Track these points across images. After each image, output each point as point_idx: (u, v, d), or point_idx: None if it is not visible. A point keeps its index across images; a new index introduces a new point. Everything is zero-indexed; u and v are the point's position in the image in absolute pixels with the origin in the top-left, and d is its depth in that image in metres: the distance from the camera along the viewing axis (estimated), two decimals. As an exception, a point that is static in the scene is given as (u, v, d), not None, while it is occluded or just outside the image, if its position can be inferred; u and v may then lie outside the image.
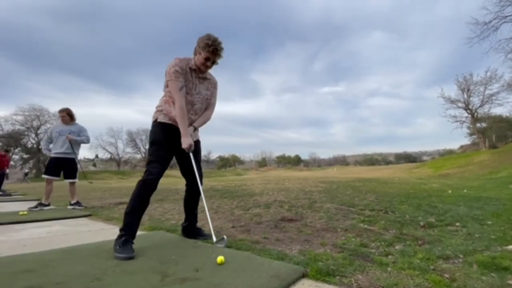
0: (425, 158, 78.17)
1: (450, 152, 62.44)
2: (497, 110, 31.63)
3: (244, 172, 59.89)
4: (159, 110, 2.12)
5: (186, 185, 2.28)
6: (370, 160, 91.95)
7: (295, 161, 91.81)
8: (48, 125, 35.90)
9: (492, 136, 33.48)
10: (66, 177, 4.54)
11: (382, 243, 2.02)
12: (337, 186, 6.78)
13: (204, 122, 2.23)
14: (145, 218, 3.08)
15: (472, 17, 18.90)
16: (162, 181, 2.09)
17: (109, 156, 54.86)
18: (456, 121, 31.95)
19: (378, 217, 2.96)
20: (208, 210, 2.07)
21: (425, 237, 2.16)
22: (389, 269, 1.48)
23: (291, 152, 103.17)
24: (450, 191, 5.82)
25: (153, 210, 3.84)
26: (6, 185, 10.24)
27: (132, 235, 1.87)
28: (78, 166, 4.68)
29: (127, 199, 1.97)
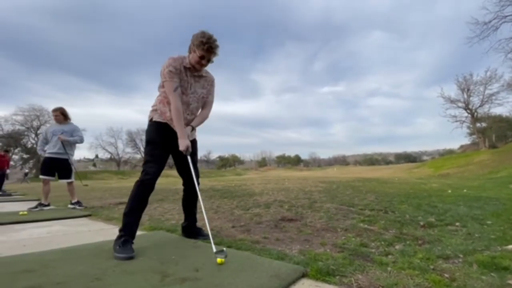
0: (425, 158, 78.18)
1: (450, 152, 62.48)
2: (497, 110, 31.69)
3: (244, 172, 59.88)
4: (154, 110, 2.12)
5: (183, 184, 2.28)
6: (370, 160, 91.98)
7: (295, 161, 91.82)
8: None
9: (492, 136, 33.49)
10: (60, 178, 4.50)
11: (382, 243, 2.02)
12: (337, 186, 6.78)
13: (202, 121, 2.20)
14: (145, 218, 3.08)
15: (472, 17, 18.94)
16: (162, 181, 2.09)
17: (109, 156, 54.93)
18: (456, 121, 32.01)
19: (378, 217, 2.96)
20: (208, 213, 2.06)
21: (425, 237, 2.16)
22: (389, 269, 1.48)
23: (291, 152, 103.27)
24: (450, 191, 5.82)
25: (153, 210, 3.84)
26: (6, 185, 10.23)
27: (132, 235, 1.87)
28: (73, 166, 4.61)
29: (127, 199, 1.97)
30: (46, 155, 4.47)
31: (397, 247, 1.91)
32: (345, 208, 3.54)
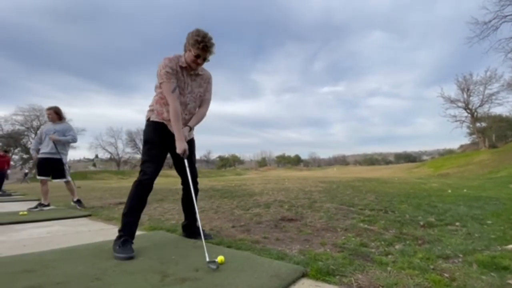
0: (425, 157, 78.19)
1: (450, 151, 62.45)
2: (497, 110, 31.67)
3: (244, 172, 59.88)
4: (151, 110, 2.11)
5: (182, 184, 2.27)
6: (370, 160, 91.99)
7: (295, 161, 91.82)
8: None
9: (492, 136, 33.49)
10: (54, 178, 4.46)
11: (382, 242, 2.02)
12: (337, 186, 6.78)
13: (199, 121, 2.18)
14: (145, 218, 3.09)
15: (472, 16, 18.94)
16: (162, 181, 2.09)
17: (109, 156, 54.89)
18: (456, 121, 32.00)
19: (378, 217, 2.96)
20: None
21: (425, 236, 2.16)
22: (389, 268, 1.48)
23: (291, 152, 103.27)
24: (450, 191, 5.82)
25: (153, 210, 3.84)
26: (6, 185, 10.23)
27: (131, 235, 1.87)
28: (66, 166, 4.52)
29: (126, 199, 1.97)
30: (40, 155, 4.44)
31: (397, 247, 1.91)
32: (345, 208, 3.55)
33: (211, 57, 2.01)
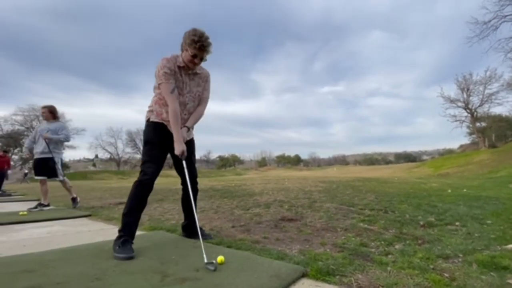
0: (424, 157, 78.22)
1: (449, 151, 62.50)
2: (496, 110, 31.69)
3: (244, 172, 59.88)
4: (150, 110, 2.11)
5: (182, 184, 2.27)
6: (370, 160, 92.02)
7: (295, 161, 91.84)
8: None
9: (491, 136, 33.51)
10: (48, 177, 4.43)
11: (382, 242, 2.02)
12: (337, 185, 6.78)
13: (197, 120, 2.17)
14: (145, 218, 3.09)
15: (471, 16, 18.92)
16: (162, 181, 2.09)
17: (108, 156, 54.88)
18: (456, 121, 32.02)
19: (378, 217, 2.96)
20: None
21: (425, 236, 2.17)
22: (389, 268, 1.48)
23: (291, 152, 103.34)
24: (449, 191, 5.82)
25: (153, 210, 3.84)
26: (6, 185, 10.22)
27: (131, 235, 1.87)
28: (58, 165, 4.44)
29: (126, 199, 1.97)
30: (35, 156, 4.42)
31: (397, 246, 1.91)
32: (345, 208, 3.55)
33: (208, 56, 2.00)
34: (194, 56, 1.92)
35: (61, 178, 4.48)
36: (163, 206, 4.20)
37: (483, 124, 33.27)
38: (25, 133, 38.18)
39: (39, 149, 4.38)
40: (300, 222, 2.83)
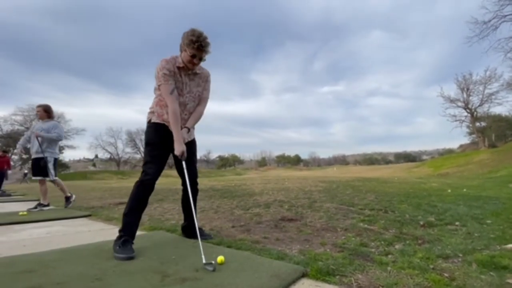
0: (424, 157, 78.25)
1: (449, 151, 62.54)
2: (496, 109, 31.73)
3: (244, 171, 59.89)
4: (151, 112, 2.12)
5: (182, 184, 2.27)
6: (370, 160, 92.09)
7: (295, 161, 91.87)
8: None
9: (491, 135, 33.53)
10: (42, 177, 4.40)
11: (382, 242, 2.02)
12: (337, 185, 6.78)
13: (197, 120, 2.17)
14: (145, 218, 3.08)
15: (471, 16, 18.96)
16: (162, 181, 2.09)
17: (108, 156, 54.89)
18: (456, 120, 32.06)
19: (378, 217, 2.96)
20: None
21: (425, 236, 2.17)
22: (389, 268, 1.48)
23: (291, 152, 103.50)
24: (449, 190, 5.83)
25: (153, 210, 3.84)
26: (6, 185, 10.22)
27: (132, 235, 1.87)
28: (49, 165, 4.36)
29: (127, 199, 1.97)
30: (32, 156, 4.40)
31: (397, 246, 1.91)
32: (345, 208, 3.55)
33: (207, 57, 2.01)
34: (193, 56, 1.93)
35: (51, 178, 4.39)
36: (163, 206, 4.20)
37: (483, 124, 33.30)
38: (25, 133, 38.12)
39: (34, 149, 4.38)
40: (300, 222, 2.83)
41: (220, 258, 1.56)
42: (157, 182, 2.03)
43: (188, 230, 2.27)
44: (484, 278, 1.33)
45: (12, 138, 35.60)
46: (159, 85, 1.97)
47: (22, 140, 4.57)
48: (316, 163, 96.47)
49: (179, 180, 2.30)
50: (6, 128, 36.33)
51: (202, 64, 2.07)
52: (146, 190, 1.96)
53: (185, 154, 1.96)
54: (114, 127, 65.98)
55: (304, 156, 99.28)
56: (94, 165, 66.29)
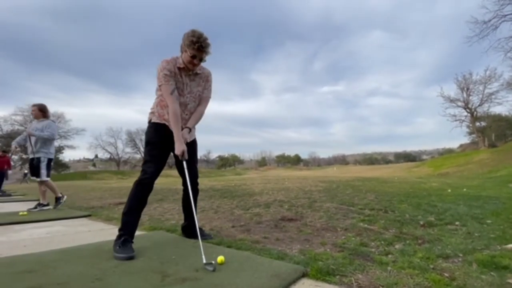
0: (424, 157, 78.27)
1: (449, 151, 62.53)
2: (496, 109, 31.73)
3: (244, 171, 59.88)
4: (152, 112, 2.13)
5: (183, 184, 2.28)
6: (370, 159, 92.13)
7: (295, 161, 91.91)
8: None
9: (491, 135, 33.54)
10: (37, 177, 4.38)
11: (382, 242, 2.02)
12: (336, 185, 6.78)
13: (198, 120, 2.18)
14: (145, 218, 3.09)
15: (471, 16, 18.91)
16: (162, 181, 2.09)
17: (108, 156, 54.89)
18: (456, 120, 32.05)
19: (378, 216, 2.96)
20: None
21: (425, 236, 2.17)
22: (389, 268, 1.48)
23: (291, 152, 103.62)
24: (449, 190, 5.83)
25: (153, 210, 3.84)
26: (6, 185, 10.22)
27: (131, 235, 1.87)
28: (42, 165, 4.31)
29: (127, 199, 1.97)
30: (29, 156, 4.39)
31: (397, 246, 1.92)
32: (345, 208, 3.55)
33: (207, 57, 2.02)
34: (193, 57, 1.94)
35: (43, 178, 4.32)
36: (163, 206, 4.20)
37: (483, 123, 33.30)
38: (24, 132, 38.20)
39: (29, 149, 4.37)
40: (300, 222, 2.83)
41: (220, 258, 1.56)
42: (157, 182, 2.04)
43: (188, 230, 2.27)
44: (485, 278, 1.33)
45: (12, 138, 35.47)
46: (159, 86, 1.98)
47: (18, 138, 4.55)
48: (316, 163, 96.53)
49: (179, 180, 2.30)
50: (6, 128, 36.36)
51: (202, 64, 2.08)
52: (144, 190, 1.96)
53: (186, 154, 1.97)
54: (114, 127, 66.16)
55: (304, 156, 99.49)
56: (94, 165, 66.33)
